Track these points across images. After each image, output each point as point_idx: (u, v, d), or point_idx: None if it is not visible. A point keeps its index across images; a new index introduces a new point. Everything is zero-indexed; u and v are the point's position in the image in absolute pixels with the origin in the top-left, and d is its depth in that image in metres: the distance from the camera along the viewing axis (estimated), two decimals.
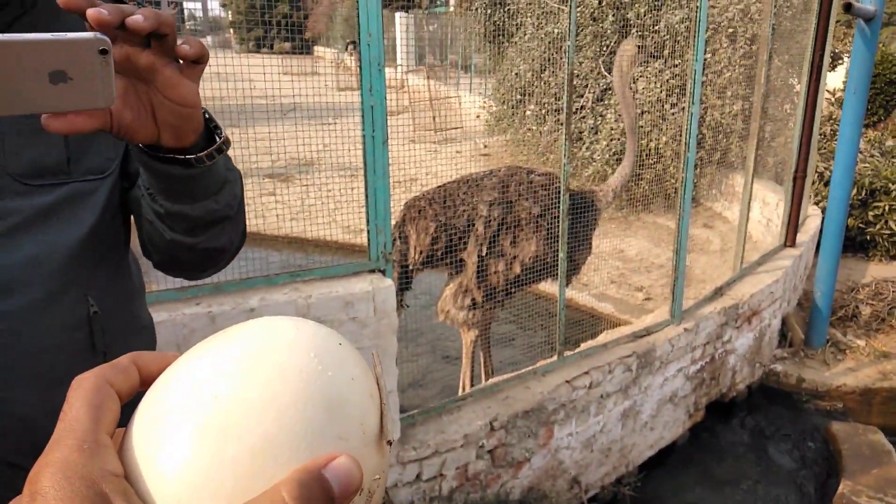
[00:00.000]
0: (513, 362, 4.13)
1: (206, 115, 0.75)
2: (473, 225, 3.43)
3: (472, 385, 3.67)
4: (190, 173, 0.76)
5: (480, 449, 2.91)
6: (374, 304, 2.51)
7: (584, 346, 3.52)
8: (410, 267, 3.58)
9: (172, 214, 0.85)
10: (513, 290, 3.52)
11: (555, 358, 3.29)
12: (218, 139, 0.77)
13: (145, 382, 0.34)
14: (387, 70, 2.40)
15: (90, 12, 0.49)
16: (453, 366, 4.53)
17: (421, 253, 3.53)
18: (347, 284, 2.52)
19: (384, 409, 0.34)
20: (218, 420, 0.29)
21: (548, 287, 4.52)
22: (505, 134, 7.42)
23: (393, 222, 3.48)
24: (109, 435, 0.30)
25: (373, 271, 2.64)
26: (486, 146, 7.67)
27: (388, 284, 2.55)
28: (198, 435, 0.29)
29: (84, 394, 0.31)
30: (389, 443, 0.34)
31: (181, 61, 0.62)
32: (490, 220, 3.40)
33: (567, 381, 3.20)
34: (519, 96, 7.27)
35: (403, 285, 3.59)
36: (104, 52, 0.44)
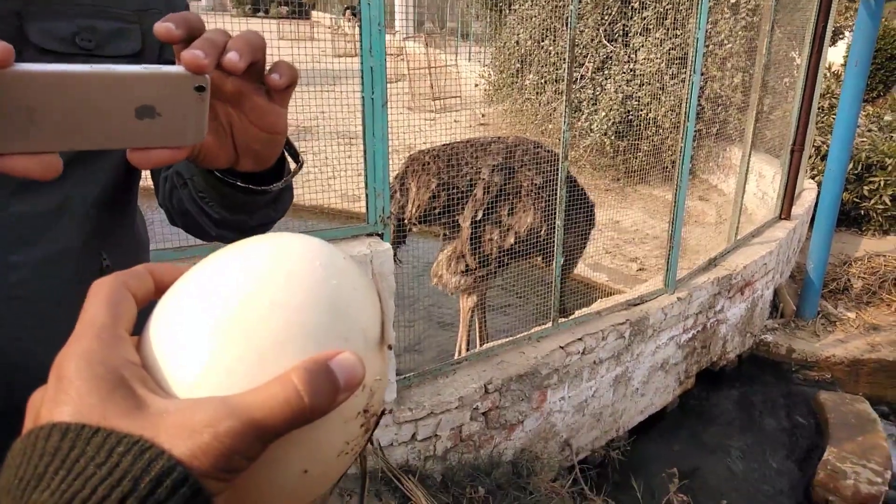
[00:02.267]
0: (507, 330, 4.18)
1: None
2: (475, 188, 3.43)
3: (467, 350, 3.72)
4: (263, 197, 0.74)
5: (475, 411, 2.96)
6: (371, 267, 2.53)
7: (578, 313, 3.56)
8: (406, 221, 3.58)
9: (226, 221, 0.84)
10: (506, 260, 3.54)
11: (549, 324, 3.33)
12: (292, 160, 0.73)
13: (159, 291, 0.35)
14: (385, 36, 2.38)
15: (185, 56, 0.44)
16: (449, 332, 4.58)
17: (419, 208, 3.52)
18: (345, 247, 2.54)
19: (385, 318, 0.36)
20: (230, 318, 0.31)
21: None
22: (503, 103, 7.37)
23: (394, 174, 3.48)
24: (127, 331, 0.32)
25: (370, 235, 2.65)
26: (484, 115, 7.62)
27: (386, 248, 2.57)
28: (212, 330, 0.31)
29: (103, 294, 0.32)
30: (390, 347, 0.37)
31: (269, 87, 0.57)
32: (490, 186, 3.40)
33: (561, 347, 3.25)
34: (518, 65, 7.21)
35: (398, 240, 3.59)
36: (201, 89, 0.42)
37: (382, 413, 0.37)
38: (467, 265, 3.50)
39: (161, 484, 0.25)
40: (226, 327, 0.31)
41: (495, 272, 3.59)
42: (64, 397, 0.27)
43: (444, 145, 3.63)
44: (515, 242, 3.37)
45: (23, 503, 0.24)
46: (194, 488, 0.25)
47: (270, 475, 0.31)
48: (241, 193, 0.72)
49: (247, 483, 0.29)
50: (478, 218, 3.40)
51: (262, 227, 0.92)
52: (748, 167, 4.83)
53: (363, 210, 2.63)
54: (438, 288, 3.73)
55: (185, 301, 0.33)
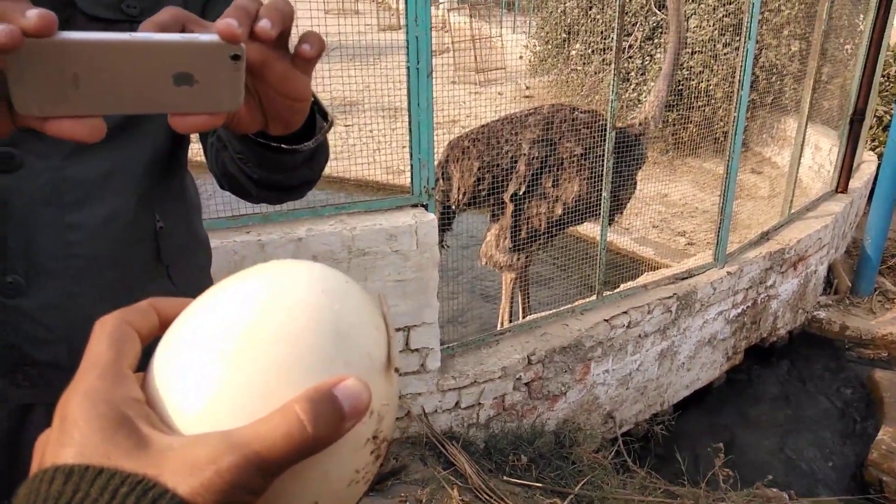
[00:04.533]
0: (549, 303, 4.17)
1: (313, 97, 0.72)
2: (517, 164, 3.41)
3: (510, 323, 3.73)
4: (293, 156, 0.76)
5: (518, 381, 2.99)
6: (416, 237, 2.56)
7: (623, 286, 3.52)
8: (453, 207, 3.59)
9: (264, 181, 0.86)
10: (555, 231, 3.52)
11: (594, 297, 3.31)
12: (322, 120, 0.74)
13: (163, 326, 0.35)
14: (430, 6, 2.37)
15: (220, 26, 0.44)
16: (491, 304, 4.60)
17: (464, 193, 3.53)
18: (391, 218, 2.57)
19: (391, 341, 0.35)
20: (233, 348, 0.31)
21: (587, 230, 4.50)
22: (548, 75, 7.25)
23: (435, 162, 3.48)
24: (131, 369, 0.32)
25: (415, 205, 2.67)
26: (528, 87, 7.52)
27: (431, 218, 2.59)
28: (214, 362, 0.31)
29: (106, 332, 0.32)
30: (397, 370, 0.36)
31: (295, 56, 0.57)
32: (531, 160, 3.37)
33: (605, 320, 3.23)
34: (564, 35, 7.06)
35: (444, 225, 3.62)
36: (236, 57, 0.42)
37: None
38: (515, 242, 3.49)
39: None
40: (227, 360, 0.30)
41: (544, 245, 3.57)
42: (67, 439, 0.27)
43: (480, 126, 3.61)
44: (564, 213, 3.34)
45: None
46: None
47: None
48: (275, 154, 0.73)
49: None
50: (521, 193, 3.38)
51: (303, 187, 0.93)
52: (804, 138, 4.65)
53: (407, 183, 2.65)
54: (489, 268, 3.73)
55: (186, 335, 0.33)
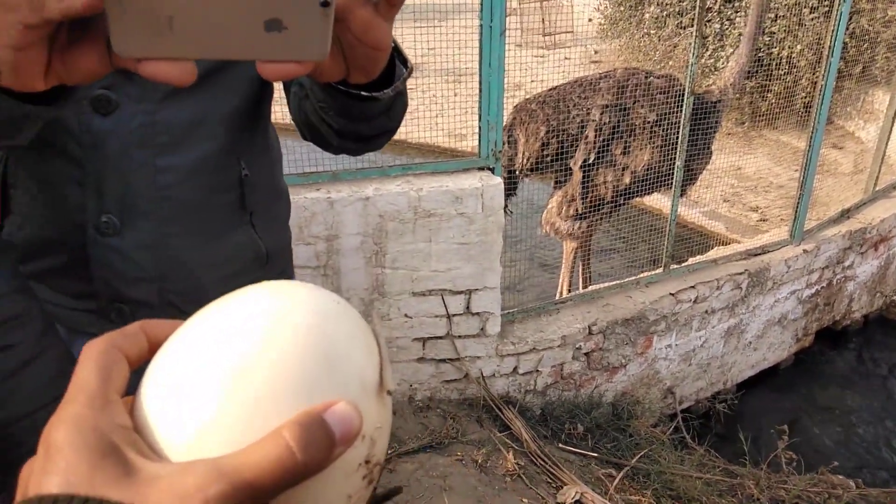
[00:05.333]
0: (610, 274, 4.09)
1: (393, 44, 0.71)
2: (586, 131, 3.32)
3: (569, 293, 3.68)
4: (373, 105, 0.75)
5: (577, 351, 2.96)
6: (482, 200, 2.53)
7: (692, 260, 3.41)
8: (517, 172, 3.54)
9: (345, 131, 0.86)
10: (621, 201, 3.42)
11: (660, 270, 3.22)
12: (402, 67, 0.73)
13: (153, 349, 0.34)
14: None
15: None
16: (549, 274, 4.55)
17: (529, 158, 3.47)
18: (457, 180, 2.55)
19: (383, 363, 0.34)
20: (220, 373, 0.30)
21: (653, 201, 4.37)
22: (619, 39, 7.00)
23: None
24: (119, 395, 0.31)
25: (482, 168, 2.64)
26: (597, 52, 7.29)
27: (497, 182, 2.56)
28: (202, 387, 0.30)
29: (94, 357, 0.31)
30: (390, 392, 0.35)
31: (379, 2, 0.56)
32: (602, 126, 3.27)
33: (671, 294, 3.14)
34: None
35: (508, 191, 3.57)
36: (326, 4, 0.41)
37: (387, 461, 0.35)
38: (579, 210, 3.41)
39: None
40: (216, 386, 0.30)
41: (609, 215, 3.49)
42: (52, 467, 0.26)
43: (549, 90, 3.51)
44: (632, 182, 3.24)
45: None
46: None
47: None
48: (355, 102, 0.73)
49: None
50: (590, 160, 3.29)
51: (381, 136, 0.92)
52: None
53: (468, 149, 2.61)
54: (550, 236, 3.67)
55: (173, 361, 0.32)
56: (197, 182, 0.97)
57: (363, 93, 0.73)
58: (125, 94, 0.90)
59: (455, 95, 3.40)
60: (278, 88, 1.16)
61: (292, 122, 1.10)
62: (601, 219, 3.49)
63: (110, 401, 0.30)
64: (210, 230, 1.00)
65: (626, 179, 3.27)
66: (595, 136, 3.27)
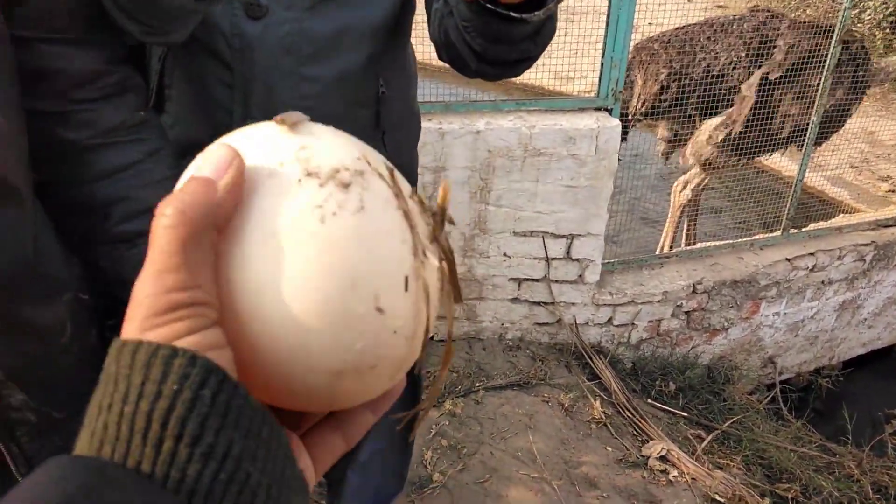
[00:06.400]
0: (716, 234, 3.88)
1: None
2: (710, 75, 3.07)
3: (670, 249, 3.53)
4: (521, 27, 0.72)
5: (677, 308, 2.85)
6: (596, 142, 2.43)
7: (812, 225, 3.18)
8: (630, 116, 3.35)
9: (486, 53, 0.83)
10: (767, 148, 3.07)
11: (778, 233, 3.02)
12: None
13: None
14: None
15: None
16: (650, 228, 4.37)
17: (645, 102, 3.27)
18: (572, 119, 2.45)
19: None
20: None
21: (770, 160, 4.04)
22: None
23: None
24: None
25: (599, 109, 2.53)
26: None
27: (615, 124, 2.44)
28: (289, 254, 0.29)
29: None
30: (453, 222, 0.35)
31: None
32: (792, 49, 2.87)
33: (788, 259, 2.95)
34: None
35: (621, 136, 3.39)
36: None
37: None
38: (730, 134, 3.06)
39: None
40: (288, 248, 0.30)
41: (750, 158, 3.18)
42: (131, 314, 0.27)
43: (676, 28, 3.24)
44: (793, 132, 2.92)
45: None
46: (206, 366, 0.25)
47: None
48: (502, 23, 0.69)
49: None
50: (772, 79, 2.92)
51: (522, 63, 0.89)
52: None
53: (574, 92, 2.48)
54: (687, 164, 3.38)
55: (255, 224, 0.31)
56: (338, 95, 0.97)
57: (512, 14, 0.69)
58: (275, 0, 0.90)
59: (565, 35, 3.23)
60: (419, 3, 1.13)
61: (430, 41, 1.07)
62: (736, 163, 3.17)
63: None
64: None
65: (787, 130, 2.93)
66: (784, 59, 2.90)
